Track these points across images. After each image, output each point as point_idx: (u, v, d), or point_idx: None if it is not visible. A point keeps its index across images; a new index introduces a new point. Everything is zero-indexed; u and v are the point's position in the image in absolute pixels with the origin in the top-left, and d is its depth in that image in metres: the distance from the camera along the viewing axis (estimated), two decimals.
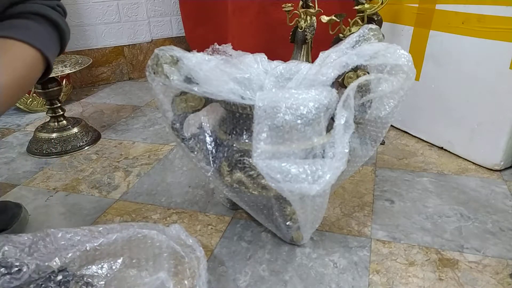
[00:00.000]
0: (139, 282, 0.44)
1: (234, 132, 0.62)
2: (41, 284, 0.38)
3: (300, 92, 0.54)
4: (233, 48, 0.71)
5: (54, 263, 0.39)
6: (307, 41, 1.02)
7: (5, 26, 0.46)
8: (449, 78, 0.93)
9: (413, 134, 1.07)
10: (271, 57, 0.74)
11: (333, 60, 0.60)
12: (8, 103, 0.46)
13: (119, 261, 0.45)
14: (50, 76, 0.95)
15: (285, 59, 0.74)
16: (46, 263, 0.39)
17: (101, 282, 0.44)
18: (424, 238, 0.69)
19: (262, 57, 0.72)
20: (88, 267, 0.44)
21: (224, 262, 0.64)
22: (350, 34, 0.78)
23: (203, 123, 0.67)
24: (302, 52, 1.04)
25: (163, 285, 0.43)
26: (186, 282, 0.44)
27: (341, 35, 0.93)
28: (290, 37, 1.04)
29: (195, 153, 0.64)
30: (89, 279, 0.43)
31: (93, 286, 0.43)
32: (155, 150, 1.04)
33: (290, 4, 1.00)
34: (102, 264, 0.44)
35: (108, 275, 0.44)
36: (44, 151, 1.03)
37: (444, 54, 0.93)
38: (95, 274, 0.44)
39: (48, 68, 0.52)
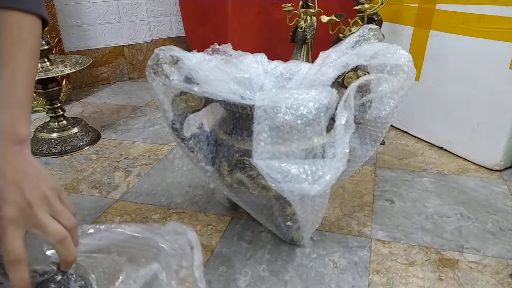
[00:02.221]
0: (133, 276, 0.43)
1: (234, 132, 0.62)
2: (42, 285, 0.38)
3: (300, 92, 0.54)
4: (233, 48, 0.71)
5: (53, 260, 0.39)
6: (307, 41, 1.02)
7: None
8: (449, 78, 0.93)
9: (413, 134, 1.07)
10: (271, 57, 0.74)
11: (333, 60, 0.60)
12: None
13: (115, 259, 0.45)
14: (50, 76, 0.96)
15: (285, 59, 0.75)
16: (47, 264, 0.39)
17: (101, 282, 0.44)
18: (424, 238, 0.69)
19: (262, 57, 0.72)
20: (86, 268, 0.44)
21: (224, 262, 0.64)
22: (350, 34, 0.78)
23: (203, 123, 0.67)
24: (302, 52, 1.04)
25: (156, 276, 0.43)
26: (182, 273, 0.44)
27: (341, 35, 0.93)
28: (290, 37, 1.04)
29: (195, 153, 0.64)
30: (88, 278, 0.43)
31: (92, 285, 0.43)
32: (155, 150, 1.04)
33: (290, 4, 1.00)
34: (99, 264, 0.44)
35: (105, 273, 0.44)
36: (44, 151, 1.03)
37: (444, 54, 0.93)
38: (93, 274, 0.44)
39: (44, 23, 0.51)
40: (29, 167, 0.40)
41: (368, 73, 0.58)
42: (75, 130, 1.07)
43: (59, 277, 0.38)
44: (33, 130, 1.09)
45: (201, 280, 0.42)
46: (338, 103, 0.57)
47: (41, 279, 0.38)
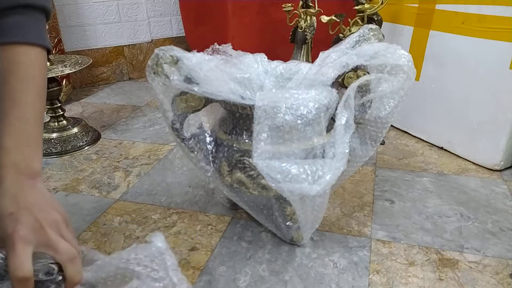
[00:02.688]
0: None
1: (234, 132, 0.62)
2: (42, 285, 0.38)
3: (300, 92, 0.54)
4: (233, 48, 0.71)
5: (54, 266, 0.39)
6: (307, 41, 1.02)
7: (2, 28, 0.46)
8: (449, 78, 0.93)
9: (413, 134, 1.07)
10: (271, 57, 0.74)
11: (333, 60, 0.60)
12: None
13: None
14: (50, 76, 0.96)
15: (285, 59, 0.75)
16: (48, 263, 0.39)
17: None
18: (424, 238, 0.69)
19: (262, 57, 0.72)
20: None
21: (224, 262, 0.64)
22: (350, 34, 0.78)
23: (203, 123, 0.67)
24: (302, 52, 1.04)
25: None
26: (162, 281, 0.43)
27: (341, 35, 0.93)
28: (290, 37, 1.05)
29: (195, 153, 0.64)
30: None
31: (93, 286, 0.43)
32: (155, 150, 1.04)
33: (290, 4, 1.00)
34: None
35: None
36: (44, 151, 1.03)
37: (444, 54, 0.93)
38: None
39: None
40: (41, 198, 0.41)
41: (368, 73, 0.58)
42: (75, 130, 1.07)
43: (59, 278, 0.38)
44: None
45: (182, 281, 0.42)
46: (338, 103, 0.57)
47: (42, 279, 0.38)
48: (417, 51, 0.98)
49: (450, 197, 0.80)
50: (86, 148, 1.06)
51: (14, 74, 0.44)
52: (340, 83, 0.60)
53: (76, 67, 1.01)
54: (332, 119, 0.58)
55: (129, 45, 1.64)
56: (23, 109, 0.44)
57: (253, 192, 0.62)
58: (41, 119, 0.46)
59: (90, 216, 0.77)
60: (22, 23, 0.46)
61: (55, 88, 1.01)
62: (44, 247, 0.38)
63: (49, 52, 0.49)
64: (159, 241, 0.43)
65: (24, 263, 0.36)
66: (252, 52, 0.73)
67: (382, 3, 0.89)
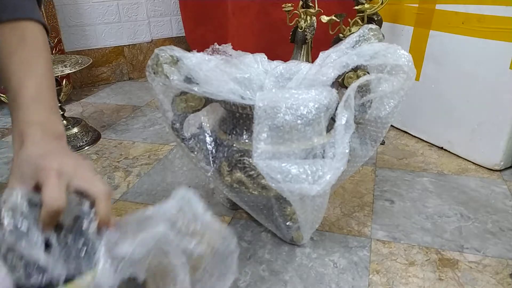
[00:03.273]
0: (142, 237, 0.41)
1: (234, 132, 0.62)
2: (75, 221, 0.37)
3: (300, 92, 0.54)
4: (233, 48, 0.71)
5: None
6: (307, 41, 1.02)
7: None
8: (449, 78, 0.93)
9: (413, 134, 1.07)
10: (271, 57, 0.74)
11: (333, 60, 0.60)
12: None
13: None
14: None
15: (285, 59, 0.74)
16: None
17: None
18: (424, 238, 0.69)
19: (262, 57, 0.72)
20: None
21: None
22: (350, 34, 0.78)
23: (203, 123, 0.67)
24: (302, 52, 1.04)
25: (165, 237, 0.40)
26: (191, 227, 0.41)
27: (341, 35, 0.93)
28: (290, 37, 1.04)
29: (195, 153, 0.64)
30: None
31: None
32: (155, 150, 1.04)
33: (290, 4, 1.00)
34: None
35: None
36: None
37: (444, 54, 0.93)
38: None
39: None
40: (69, 153, 0.43)
41: (368, 73, 0.58)
42: (75, 130, 1.07)
43: (92, 214, 0.37)
44: None
45: (214, 221, 0.40)
46: (338, 103, 0.57)
47: (77, 213, 0.37)
48: (417, 51, 0.98)
49: (450, 197, 0.80)
50: (86, 148, 1.06)
51: (23, 46, 0.46)
52: (340, 83, 0.60)
53: (76, 67, 1.01)
54: (332, 119, 0.58)
55: (129, 45, 1.64)
56: (39, 78, 0.45)
57: (253, 192, 0.62)
58: (54, 91, 0.47)
59: None
60: (17, 3, 0.47)
61: None
62: (80, 180, 0.37)
63: (48, 32, 0.51)
64: (182, 190, 0.41)
65: (60, 194, 0.35)
66: (252, 52, 0.73)
67: (382, 3, 0.89)
